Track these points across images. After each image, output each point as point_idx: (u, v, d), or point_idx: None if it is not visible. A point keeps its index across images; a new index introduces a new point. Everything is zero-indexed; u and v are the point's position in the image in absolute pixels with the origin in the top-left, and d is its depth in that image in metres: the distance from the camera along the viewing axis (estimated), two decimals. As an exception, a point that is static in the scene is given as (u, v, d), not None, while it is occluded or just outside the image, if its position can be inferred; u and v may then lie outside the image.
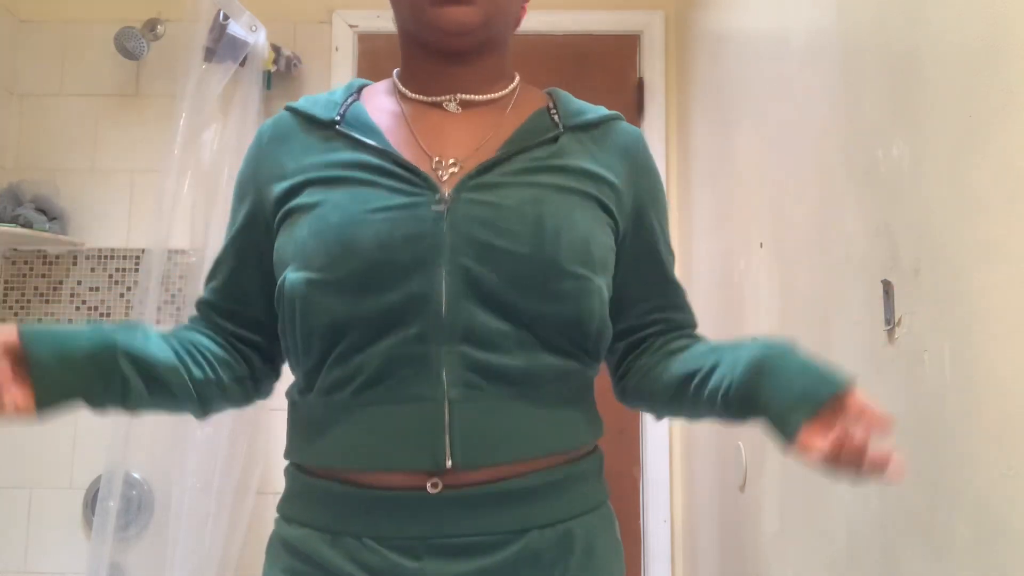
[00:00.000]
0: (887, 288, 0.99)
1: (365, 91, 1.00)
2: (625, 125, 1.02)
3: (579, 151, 0.94)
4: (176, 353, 0.91)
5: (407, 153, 0.90)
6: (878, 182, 1.03)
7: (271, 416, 2.18)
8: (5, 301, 2.55)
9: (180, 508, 2.16)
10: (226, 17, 2.33)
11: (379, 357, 0.84)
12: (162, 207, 2.27)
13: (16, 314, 2.54)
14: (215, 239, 2.29)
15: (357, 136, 0.91)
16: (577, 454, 0.92)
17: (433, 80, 0.95)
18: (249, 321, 0.97)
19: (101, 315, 2.53)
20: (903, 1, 0.98)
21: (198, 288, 2.32)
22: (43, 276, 2.55)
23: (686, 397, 0.91)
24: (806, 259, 1.31)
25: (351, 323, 0.84)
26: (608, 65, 2.65)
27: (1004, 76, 0.77)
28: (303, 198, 0.89)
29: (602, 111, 1.01)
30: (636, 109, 2.62)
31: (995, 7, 0.79)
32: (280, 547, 0.91)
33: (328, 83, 2.57)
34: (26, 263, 2.56)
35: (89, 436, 2.47)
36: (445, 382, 0.83)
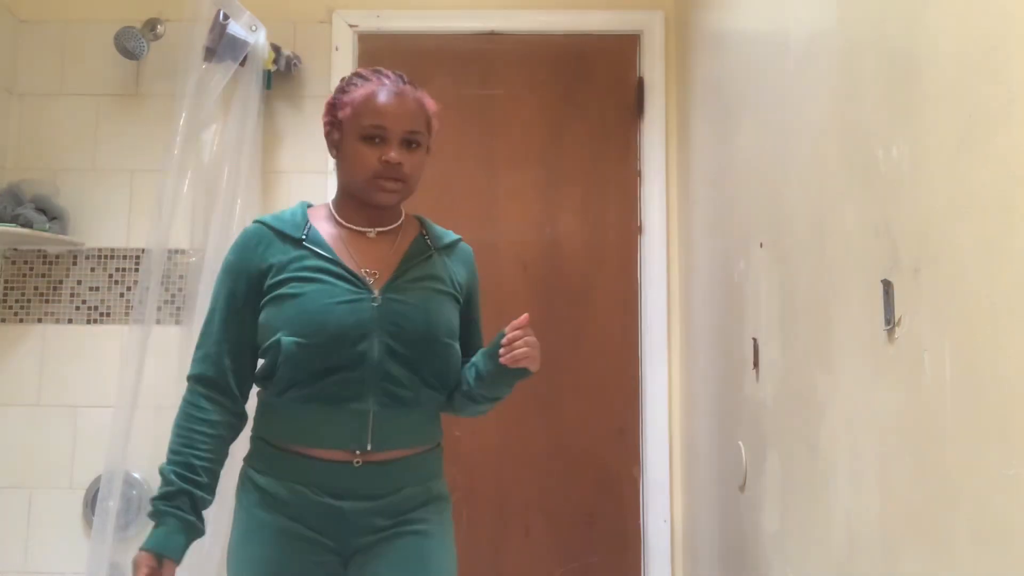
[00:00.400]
0: (887, 288, 0.99)
1: (312, 212, 1.58)
2: (463, 244, 1.66)
3: (442, 264, 1.58)
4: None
5: (348, 264, 1.49)
6: (878, 182, 1.03)
7: (271, 416, 2.18)
8: (5, 301, 2.55)
9: (180, 508, 2.15)
10: (226, 17, 2.33)
11: (334, 385, 1.44)
12: (162, 207, 2.27)
13: (16, 314, 2.54)
14: (215, 239, 2.29)
15: (318, 251, 1.50)
16: (431, 446, 1.55)
17: (363, 218, 1.55)
18: (241, 368, 1.51)
19: (101, 315, 2.53)
20: (903, 1, 0.98)
21: (197, 288, 2.33)
22: (43, 276, 2.56)
23: (473, 387, 1.55)
24: (806, 259, 1.31)
25: (322, 367, 1.43)
26: (608, 65, 2.65)
27: (1004, 76, 0.77)
28: (288, 288, 1.46)
29: (451, 235, 1.65)
30: (636, 109, 2.62)
31: (995, 7, 0.79)
32: (250, 485, 1.49)
33: (328, 83, 2.57)
34: (26, 263, 2.56)
35: (89, 436, 2.47)
36: (371, 402, 1.45)
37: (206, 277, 2.25)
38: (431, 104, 1.57)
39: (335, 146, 1.55)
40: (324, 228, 1.54)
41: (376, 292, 1.47)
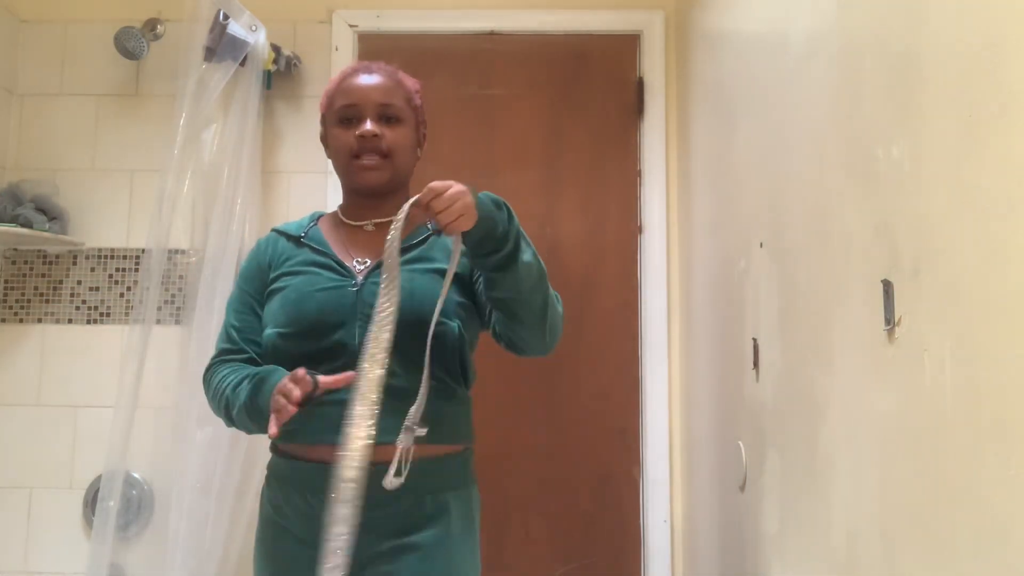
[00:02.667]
0: (887, 288, 0.99)
1: (322, 219, 1.57)
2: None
3: (441, 245, 1.48)
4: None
5: (341, 256, 1.47)
6: (878, 182, 1.03)
7: (271, 416, 2.18)
8: (5, 301, 2.55)
9: (180, 508, 2.16)
10: (226, 17, 2.33)
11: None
12: (162, 207, 2.27)
13: (16, 314, 2.54)
14: (215, 239, 2.29)
15: (314, 246, 1.49)
16: (448, 449, 1.42)
17: (360, 212, 1.52)
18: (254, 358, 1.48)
19: (101, 315, 2.53)
20: (903, 1, 0.98)
21: (197, 288, 2.33)
22: (43, 276, 2.55)
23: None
24: (806, 259, 1.31)
25: (303, 356, 1.37)
26: (608, 65, 2.65)
27: (1004, 76, 0.77)
28: (278, 284, 1.47)
29: None
30: (636, 109, 2.62)
31: (995, 7, 0.79)
32: (265, 492, 1.46)
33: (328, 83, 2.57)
34: (26, 263, 2.56)
35: (89, 436, 2.47)
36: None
37: (206, 277, 2.25)
38: (410, 80, 1.53)
39: (325, 143, 1.53)
40: (327, 227, 1.53)
41: (360, 278, 1.43)
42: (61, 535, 2.46)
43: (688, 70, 2.42)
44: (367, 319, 1.33)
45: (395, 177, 1.48)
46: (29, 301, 2.54)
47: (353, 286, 1.41)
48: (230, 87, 2.37)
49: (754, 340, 1.61)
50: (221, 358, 1.49)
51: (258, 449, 2.27)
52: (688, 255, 2.41)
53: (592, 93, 2.64)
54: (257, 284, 1.51)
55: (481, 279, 1.43)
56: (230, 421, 1.44)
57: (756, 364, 1.59)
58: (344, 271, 1.44)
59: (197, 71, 2.31)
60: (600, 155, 2.62)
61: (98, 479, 2.33)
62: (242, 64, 2.37)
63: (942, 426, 0.87)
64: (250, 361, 1.47)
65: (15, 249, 2.56)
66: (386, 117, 1.46)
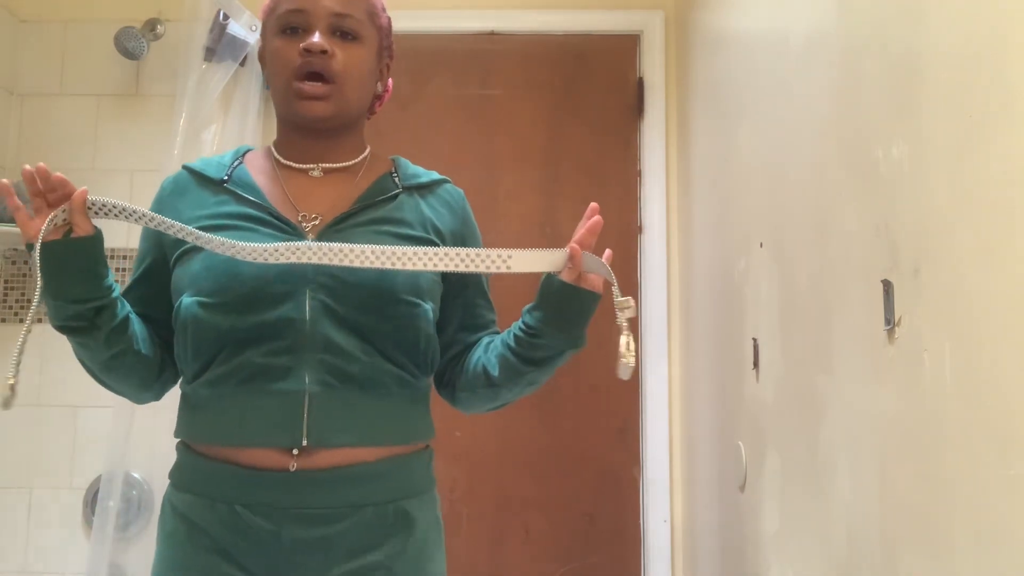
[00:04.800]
0: (887, 288, 0.99)
1: (248, 155, 1.26)
2: (451, 186, 1.30)
3: (412, 206, 1.22)
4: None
5: (280, 208, 1.16)
6: (878, 182, 1.03)
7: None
8: (5, 301, 2.55)
9: (180, 508, 2.16)
10: (226, 17, 2.33)
11: (256, 360, 1.09)
12: (162, 207, 2.27)
13: (16, 314, 2.54)
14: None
15: (240, 193, 1.17)
16: (408, 449, 1.18)
17: (301, 152, 1.21)
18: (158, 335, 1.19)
19: (101, 315, 2.53)
20: (903, 1, 0.98)
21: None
22: (43, 276, 2.55)
23: (506, 356, 1.17)
24: (806, 259, 1.31)
25: (234, 334, 1.09)
26: (608, 65, 2.65)
27: (1004, 76, 0.77)
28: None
29: (433, 175, 1.29)
30: (636, 109, 2.62)
31: (995, 7, 0.79)
32: (168, 509, 1.15)
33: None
34: (26, 263, 2.56)
35: (89, 436, 2.47)
36: (306, 380, 1.08)
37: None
38: None
39: (263, 61, 1.24)
40: (257, 167, 1.22)
41: (310, 238, 1.13)
42: (61, 535, 2.46)
43: (688, 70, 2.42)
44: (324, 289, 1.10)
45: (343, 110, 1.17)
46: (29, 301, 2.54)
47: None
48: (230, 87, 2.37)
49: (754, 340, 1.61)
50: None
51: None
52: (688, 255, 2.41)
53: (592, 93, 2.64)
54: (157, 244, 1.19)
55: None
56: (92, 361, 1.20)
57: (756, 364, 1.59)
58: (288, 228, 1.14)
59: (197, 71, 2.31)
60: (600, 155, 2.62)
61: (98, 479, 2.33)
62: (242, 64, 2.37)
63: (942, 426, 0.87)
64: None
65: (15, 249, 2.56)
66: (341, 31, 1.16)
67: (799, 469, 1.34)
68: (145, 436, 2.27)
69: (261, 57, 1.24)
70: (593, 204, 1.14)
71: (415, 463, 1.19)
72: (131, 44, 2.49)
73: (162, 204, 1.21)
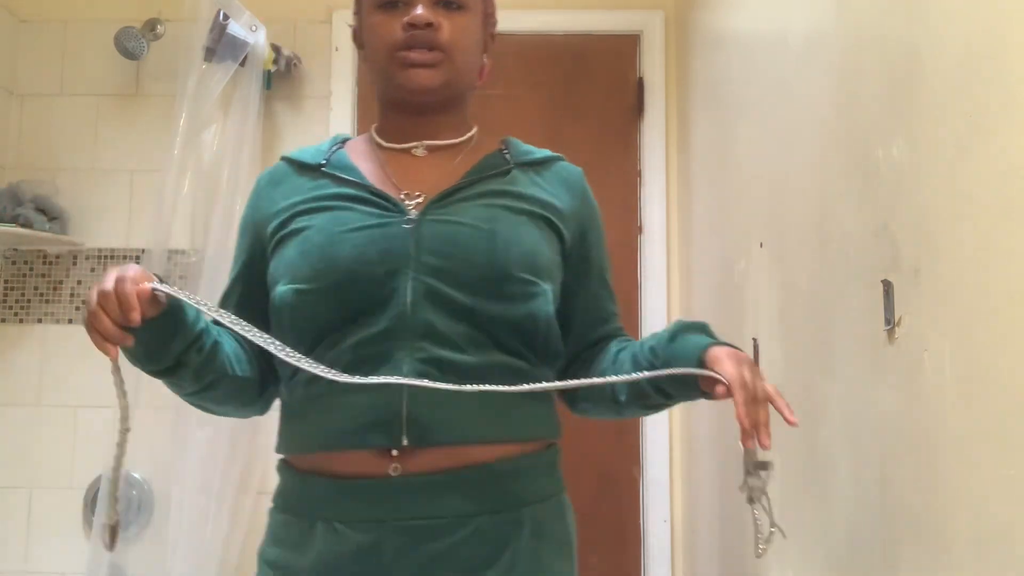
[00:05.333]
0: (887, 288, 0.99)
1: (348, 142, 1.18)
2: (567, 164, 1.21)
3: (526, 181, 1.12)
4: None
5: (381, 187, 1.06)
6: (878, 182, 1.03)
7: (271, 416, 2.18)
8: (5, 301, 2.55)
9: (180, 508, 2.16)
10: (226, 17, 2.33)
11: (350, 351, 0.98)
12: (162, 207, 2.27)
13: (16, 314, 2.54)
14: (215, 239, 2.29)
15: (339, 174, 1.08)
16: (528, 447, 1.04)
17: (403, 131, 1.12)
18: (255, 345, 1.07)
19: (101, 315, 2.53)
20: (903, 1, 0.98)
21: (198, 288, 2.33)
22: (43, 276, 2.55)
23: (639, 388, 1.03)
24: (806, 259, 1.31)
25: (330, 324, 0.99)
26: (608, 65, 2.64)
27: (1004, 76, 0.77)
28: (292, 225, 1.05)
29: (547, 152, 1.20)
30: (636, 109, 2.62)
31: (995, 7, 0.79)
32: (268, 535, 1.05)
33: (328, 83, 2.57)
34: (26, 263, 2.56)
35: (89, 436, 2.47)
36: (404, 371, 0.95)
37: (206, 277, 2.25)
38: None
39: (360, 43, 1.15)
40: (357, 151, 1.14)
41: (414, 215, 1.03)
42: (61, 535, 2.46)
43: (688, 70, 2.42)
44: (427, 269, 0.99)
45: (453, 82, 1.09)
46: (29, 301, 2.54)
47: (407, 223, 1.02)
48: (230, 87, 2.37)
49: (754, 340, 1.61)
50: None
51: (258, 449, 2.27)
52: (688, 255, 2.41)
53: (592, 93, 2.64)
54: (256, 235, 1.12)
55: (576, 285, 1.11)
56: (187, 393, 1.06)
57: (756, 364, 1.59)
58: (389, 204, 1.04)
59: (197, 71, 2.31)
60: (600, 155, 2.61)
61: (98, 479, 2.33)
62: (242, 64, 2.37)
63: (942, 426, 0.87)
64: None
65: (15, 249, 2.56)
66: (445, 1, 1.07)
67: (799, 469, 1.34)
68: (145, 436, 2.26)
69: (356, 37, 1.14)
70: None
71: (537, 464, 1.04)
72: (131, 44, 2.49)
73: (259, 196, 1.14)
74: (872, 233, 1.05)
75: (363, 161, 1.11)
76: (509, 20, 2.66)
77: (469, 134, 1.17)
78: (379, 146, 1.14)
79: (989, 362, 0.79)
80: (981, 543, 0.80)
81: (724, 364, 0.92)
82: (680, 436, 2.49)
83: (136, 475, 2.38)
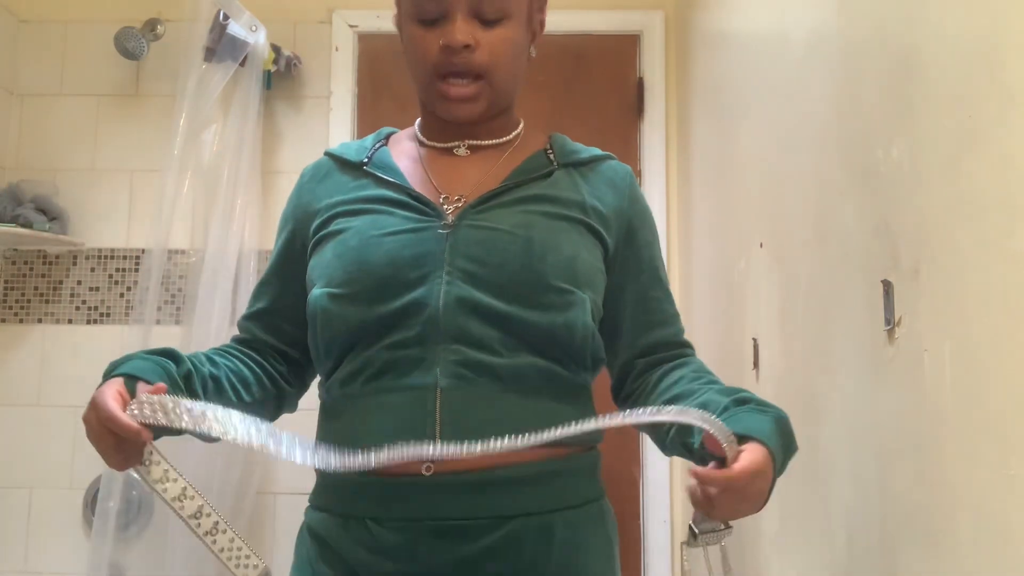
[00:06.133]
0: (887, 288, 0.99)
1: (392, 137, 1.17)
2: (615, 163, 1.16)
3: (569, 184, 1.08)
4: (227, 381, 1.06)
5: (420, 189, 1.06)
6: (878, 182, 1.03)
7: (271, 416, 2.18)
8: (5, 301, 2.55)
9: (180, 508, 2.15)
10: (226, 17, 2.33)
11: (384, 354, 0.98)
12: (162, 207, 2.27)
13: (16, 314, 2.54)
14: (215, 239, 2.29)
15: (380, 175, 1.08)
16: (566, 451, 1.00)
17: (445, 132, 1.11)
18: (289, 337, 1.11)
19: (101, 315, 2.53)
20: (903, 1, 0.98)
21: (198, 288, 2.33)
22: (43, 276, 2.55)
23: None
24: (806, 259, 1.31)
25: (364, 327, 0.99)
26: (608, 65, 2.64)
27: (1004, 76, 0.77)
28: (332, 227, 1.05)
29: (595, 151, 1.17)
30: (636, 109, 2.62)
31: (995, 7, 0.79)
32: (305, 532, 1.05)
33: (328, 83, 2.57)
34: (26, 263, 2.56)
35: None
36: (438, 374, 0.96)
37: (206, 277, 2.25)
38: None
39: (401, 38, 1.11)
40: (402, 148, 1.14)
41: (451, 219, 1.02)
42: (61, 535, 2.46)
43: (688, 70, 2.42)
44: (461, 274, 0.98)
45: (494, 103, 1.07)
46: (29, 301, 2.54)
47: (443, 228, 1.01)
48: (230, 87, 2.37)
49: (754, 340, 1.61)
50: (240, 332, 1.15)
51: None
52: (688, 255, 2.41)
53: (592, 93, 2.63)
54: (296, 231, 1.11)
55: (625, 288, 1.08)
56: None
57: (756, 364, 1.59)
58: (427, 209, 1.03)
59: (197, 71, 2.31)
60: (600, 155, 2.61)
61: (98, 479, 2.33)
62: (242, 64, 2.37)
63: (942, 426, 0.87)
64: (269, 345, 1.11)
65: (15, 249, 2.56)
66: (480, 17, 1.02)
67: (799, 469, 1.34)
68: (145, 436, 2.27)
69: (399, 25, 1.10)
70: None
71: (576, 467, 1.02)
72: (131, 44, 2.49)
73: (301, 191, 1.13)
74: (872, 233, 1.05)
75: (404, 160, 1.11)
76: (509, 20, 2.68)
77: (514, 132, 1.15)
78: (421, 143, 1.13)
79: (989, 362, 0.79)
80: (981, 543, 0.80)
81: (743, 462, 0.90)
82: (680, 436, 2.49)
83: (136, 475, 2.38)
